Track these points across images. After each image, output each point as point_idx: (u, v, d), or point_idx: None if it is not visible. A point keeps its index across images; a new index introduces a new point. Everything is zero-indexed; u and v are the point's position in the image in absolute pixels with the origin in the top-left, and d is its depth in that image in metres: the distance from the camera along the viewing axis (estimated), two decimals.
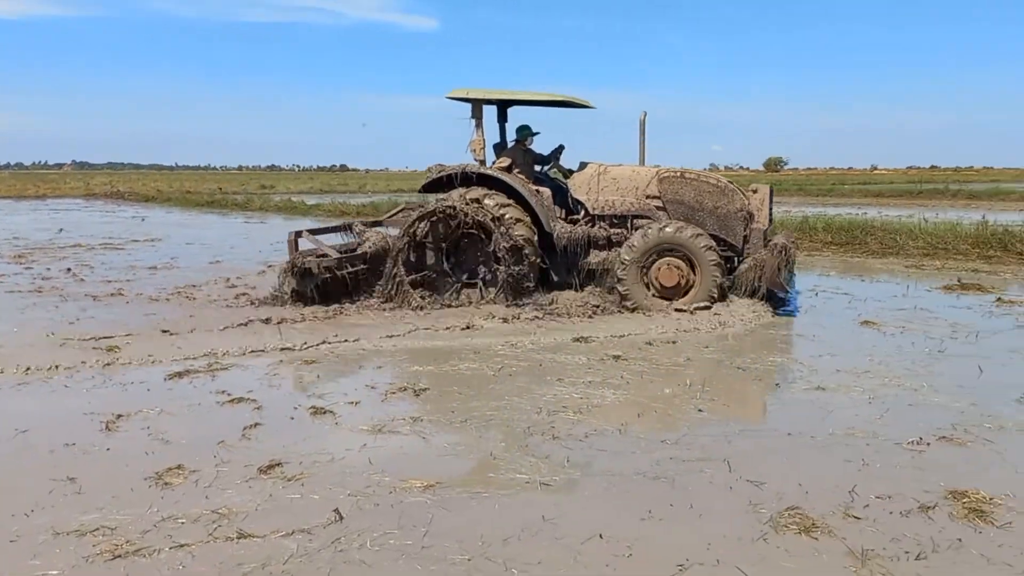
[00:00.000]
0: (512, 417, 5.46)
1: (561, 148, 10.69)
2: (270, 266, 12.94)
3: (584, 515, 3.95)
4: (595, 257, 9.86)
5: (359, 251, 10.01)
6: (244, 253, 16.02)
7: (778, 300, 9.41)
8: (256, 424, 5.35)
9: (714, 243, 9.18)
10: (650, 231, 9.25)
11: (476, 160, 10.03)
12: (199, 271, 13.17)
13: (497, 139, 11.00)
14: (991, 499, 4.09)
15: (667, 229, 9.16)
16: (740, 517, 3.93)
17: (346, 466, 4.60)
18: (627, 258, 9.22)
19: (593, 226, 9.98)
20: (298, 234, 9.73)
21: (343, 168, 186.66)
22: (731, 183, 9.93)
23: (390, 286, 9.61)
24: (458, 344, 7.70)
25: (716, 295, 9.08)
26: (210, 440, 5.01)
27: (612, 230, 9.95)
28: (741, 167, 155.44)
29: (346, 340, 7.76)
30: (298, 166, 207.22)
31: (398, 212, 10.95)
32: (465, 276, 9.90)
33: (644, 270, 9.27)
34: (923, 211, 23.73)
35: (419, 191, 10.53)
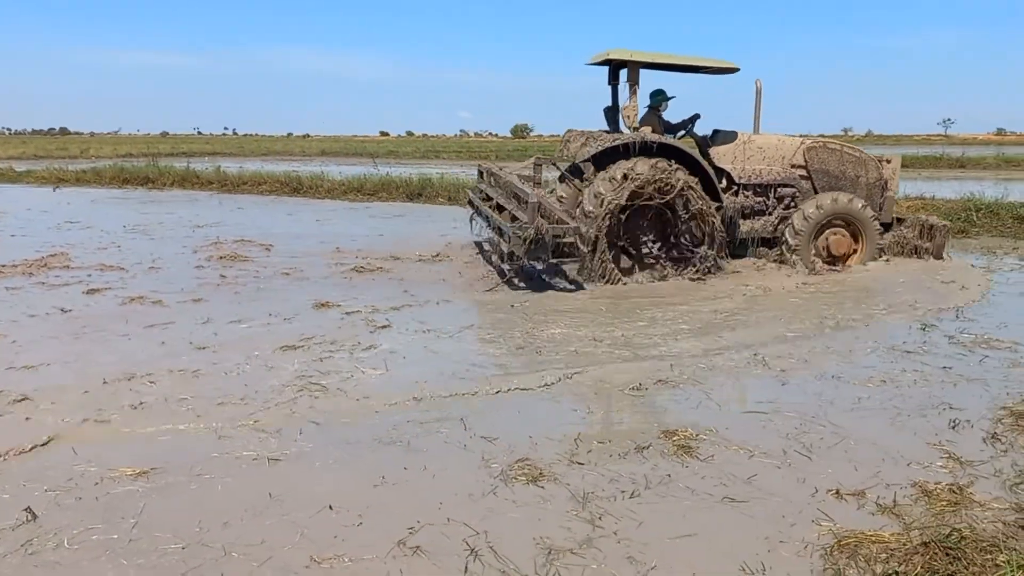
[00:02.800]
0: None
1: (697, 117, 10.14)
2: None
3: (314, 488, 3.79)
4: (745, 226, 9.84)
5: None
6: None
7: None
8: None
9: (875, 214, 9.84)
10: (840, 199, 9.62)
11: (629, 127, 9.41)
12: None
13: (608, 103, 10.42)
14: (697, 435, 4.46)
15: (842, 200, 9.61)
16: (472, 474, 3.97)
17: (45, 459, 4.10)
18: (805, 223, 9.57)
19: (736, 195, 9.85)
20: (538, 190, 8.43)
21: (63, 132, 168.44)
22: (867, 154, 10.30)
23: (596, 262, 8.71)
24: None
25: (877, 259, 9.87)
26: None
27: (755, 199, 9.94)
28: (490, 133, 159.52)
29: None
30: (8, 129, 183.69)
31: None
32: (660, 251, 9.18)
33: (814, 238, 9.68)
34: None
35: (584, 160, 9.20)
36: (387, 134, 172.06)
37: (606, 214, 8.64)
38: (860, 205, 9.72)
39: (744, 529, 3.43)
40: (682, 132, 10.11)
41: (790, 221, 9.75)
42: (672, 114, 10.30)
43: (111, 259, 10.25)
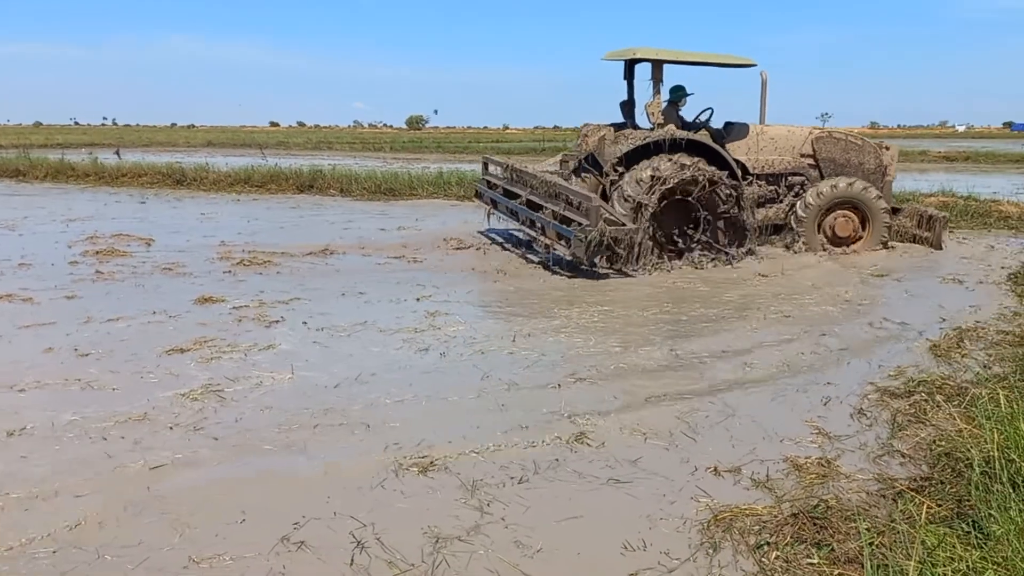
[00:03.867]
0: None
1: (711, 111, 10.45)
2: None
3: (197, 486, 3.68)
4: (759, 214, 10.27)
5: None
6: None
7: None
8: None
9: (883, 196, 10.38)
10: (839, 184, 10.16)
11: (653, 123, 9.81)
12: None
13: (624, 97, 10.71)
14: (588, 418, 4.54)
15: (842, 185, 10.16)
16: (365, 466, 3.92)
17: None
18: (808, 209, 10.16)
19: (751, 185, 10.20)
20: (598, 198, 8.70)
21: None
22: (869, 141, 10.81)
23: (635, 248, 9.01)
24: None
25: (886, 242, 10.41)
26: None
27: (768, 188, 10.45)
28: (384, 124, 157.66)
29: None
30: None
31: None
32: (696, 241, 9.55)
33: (820, 220, 10.21)
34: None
35: (616, 158, 9.43)
36: (277, 124, 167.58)
37: (647, 210, 9.02)
38: (861, 188, 10.22)
39: (627, 509, 3.52)
40: (699, 127, 10.45)
41: (795, 207, 10.29)
42: (685, 109, 10.73)
43: None
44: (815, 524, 3.29)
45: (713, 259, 9.54)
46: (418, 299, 7.69)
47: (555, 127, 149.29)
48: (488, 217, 11.53)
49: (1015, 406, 3.86)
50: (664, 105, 9.95)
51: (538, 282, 8.67)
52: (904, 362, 5.73)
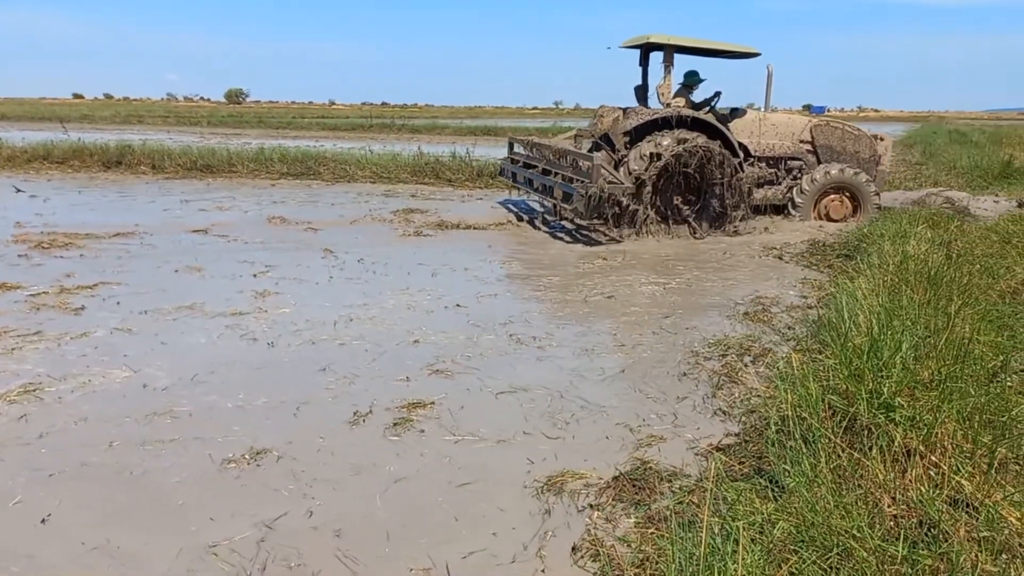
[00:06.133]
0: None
1: (719, 94, 10.83)
2: None
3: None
4: (759, 194, 10.93)
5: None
6: None
7: None
8: None
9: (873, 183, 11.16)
10: (834, 169, 10.95)
11: (663, 103, 10.49)
12: None
13: (638, 82, 11.35)
14: (433, 403, 4.53)
15: (834, 171, 10.95)
16: (190, 468, 3.74)
17: None
18: (808, 189, 10.97)
19: (752, 166, 10.90)
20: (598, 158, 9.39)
21: None
22: (864, 131, 11.58)
23: (631, 216, 9.82)
24: None
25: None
26: None
27: (768, 170, 11.13)
28: (201, 98, 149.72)
29: None
30: None
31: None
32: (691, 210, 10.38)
33: (816, 202, 11.04)
34: (372, 144, 25.53)
35: (625, 133, 10.20)
36: (81, 96, 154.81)
37: (651, 176, 9.76)
38: (852, 173, 11.02)
39: (466, 496, 3.54)
40: (707, 108, 10.88)
41: (796, 188, 11.07)
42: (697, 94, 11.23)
43: None
44: (634, 485, 3.49)
45: (714, 228, 10.38)
46: (254, 275, 7.43)
47: (383, 103, 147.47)
48: (510, 193, 13.39)
49: (805, 368, 4.24)
50: (678, 87, 10.72)
51: (360, 262, 8.47)
52: (723, 329, 6.07)
